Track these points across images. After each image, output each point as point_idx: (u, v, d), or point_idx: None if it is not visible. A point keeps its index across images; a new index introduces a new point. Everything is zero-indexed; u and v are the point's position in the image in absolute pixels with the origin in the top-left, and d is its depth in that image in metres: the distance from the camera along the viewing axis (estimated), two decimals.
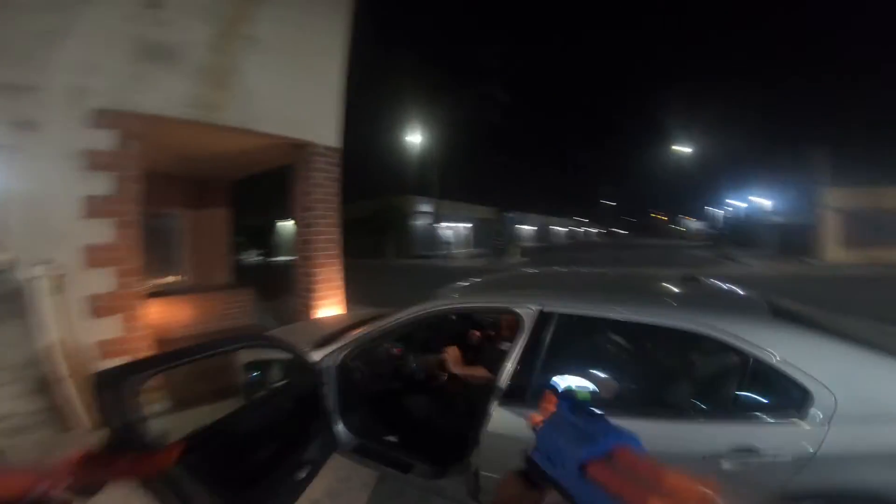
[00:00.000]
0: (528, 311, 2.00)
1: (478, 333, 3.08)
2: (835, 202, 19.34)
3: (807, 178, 20.96)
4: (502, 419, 1.87)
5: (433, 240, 28.53)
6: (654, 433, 1.74)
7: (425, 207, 28.12)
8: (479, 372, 2.38)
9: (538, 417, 0.73)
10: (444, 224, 29.79)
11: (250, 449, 1.61)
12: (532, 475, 0.69)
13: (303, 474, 1.80)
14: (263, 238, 12.27)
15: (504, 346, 2.35)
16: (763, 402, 1.74)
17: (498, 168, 27.26)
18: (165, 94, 3.57)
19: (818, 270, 16.23)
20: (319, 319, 4.42)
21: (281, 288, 9.45)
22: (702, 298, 2.31)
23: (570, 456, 0.61)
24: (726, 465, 1.63)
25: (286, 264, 15.41)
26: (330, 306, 4.96)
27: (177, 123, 3.70)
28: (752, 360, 1.70)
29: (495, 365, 2.12)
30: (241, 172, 6.55)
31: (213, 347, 1.72)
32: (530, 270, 3.22)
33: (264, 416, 1.84)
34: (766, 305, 2.10)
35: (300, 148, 4.66)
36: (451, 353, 2.60)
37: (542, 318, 1.96)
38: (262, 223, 11.97)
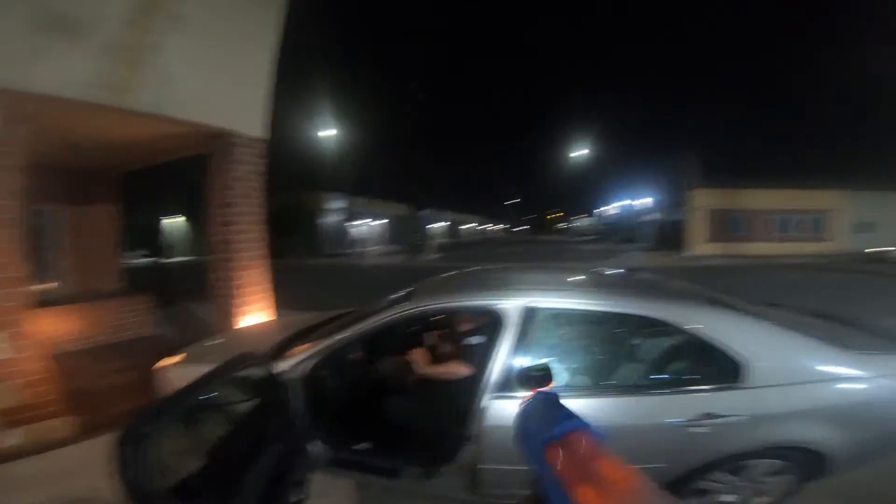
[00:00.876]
0: (513, 308, 2.08)
1: (437, 333, 3.02)
2: (701, 202, 22.87)
3: (679, 180, 24.47)
4: (499, 411, 1.92)
5: (345, 238, 27.62)
6: (636, 407, 2.00)
7: (337, 204, 27.10)
8: (455, 368, 2.35)
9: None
10: (357, 221, 29.02)
11: (250, 480, 1.41)
12: (541, 498, 0.71)
13: (295, 498, 1.64)
14: (150, 237, 10.66)
15: (472, 341, 2.36)
16: (711, 375, 2.02)
17: (412, 166, 27.35)
18: (66, 73, 2.94)
19: (687, 261, 19.04)
20: (250, 329, 3.98)
21: (176, 293, 8.43)
22: (657, 290, 2.56)
23: (535, 439, 0.68)
24: (698, 429, 1.89)
25: (180, 266, 13.67)
26: (256, 312, 4.48)
27: (77, 106, 3.08)
28: (698, 340, 2.01)
29: (475, 359, 2.17)
30: (140, 163, 5.60)
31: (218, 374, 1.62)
32: (490, 269, 3.28)
33: (252, 439, 1.62)
34: (703, 295, 2.45)
35: (220, 138, 4.12)
36: (418, 355, 2.53)
37: (528, 313, 2.06)
38: (148, 221, 10.45)
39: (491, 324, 2.17)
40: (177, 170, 8.27)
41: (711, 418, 1.88)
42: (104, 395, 3.51)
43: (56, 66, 2.88)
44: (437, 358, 2.63)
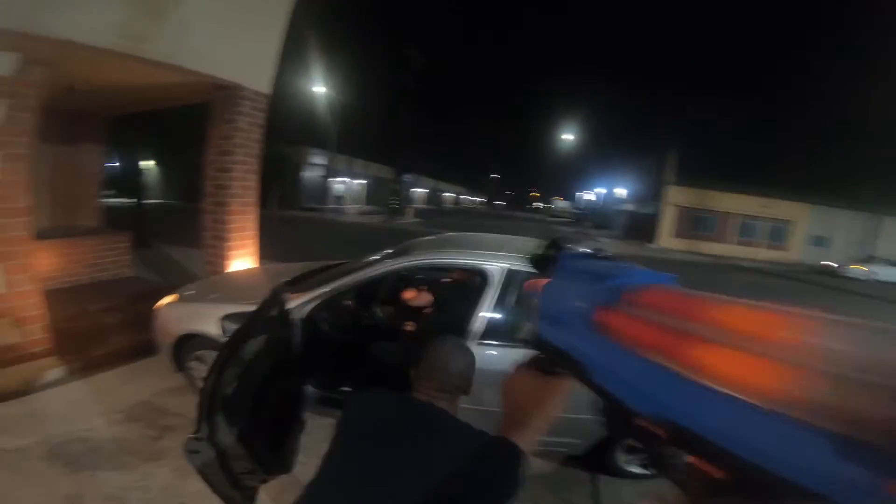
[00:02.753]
0: (496, 269, 2.42)
1: (414, 291, 3.29)
2: (673, 198, 23.72)
3: (656, 175, 25.16)
4: (481, 357, 2.17)
5: (324, 193, 27.14)
6: None
7: (319, 160, 26.41)
8: (422, 297, 2.79)
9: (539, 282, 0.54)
10: (337, 178, 28.44)
11: (271, 411, 1.57)
12: (543, 360, 0.56)
13: (300, 433, 1.81)
14: (127, 179, 10.18)
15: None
16: None
17: (397, 129, 26.63)
18: (87, 19, 2.89)
19: (654, 253, 19.89)
20: (239, 273, 4.10)
21: (151, 235, 8.24)
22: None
23: (576, 309, 0.43)
24: None
25: (151, 208, 13.16)
26: (243, 258, 4.64)
27: (94, 52, 3.03)
28: None
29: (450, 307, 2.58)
30: (135, 108, 5.54)
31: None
32: (478, 234, 3.54)
33: (268, 374, 1.78)
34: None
35: (226, 89, 4.15)
36: (409, 293, 2.88)
37: (509, 275, 2.40)
38: (126, 163, 9.99)
39: (476, 280, 2.50)
40: (153, 117, 7.95)
41: None
42: (89, 336, 3.53)
43: (78, 12, 2.85)
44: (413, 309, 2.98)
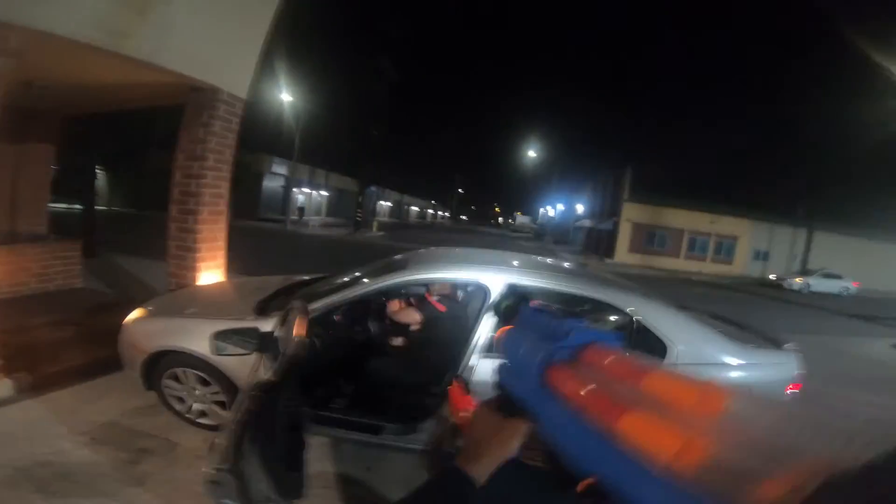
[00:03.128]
0: (498, 283, 2.39)
1: (398, 303, 3.26)
2: (628, 215, 24.95)
3: (612, 192, 26.39)
4: (486, 368, 2.24)
5: (284, 204, 26.38)
6: None
7: (280, 169, 25.72)
8: (411, 314, 2.79)
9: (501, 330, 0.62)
10: (298, 189, 27.75)
11: (284, 431, 1.48)
12: (505, 403, 0.59)
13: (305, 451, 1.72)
14: (74, 183, 9.37)
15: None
16: (645, 353, 2.40)
17: (363, 141, 26.44)
18: (65, 10, 2.69)
19: (610, 268, 20.73)
20: (210, 287, 3.88)
21: (100, 243, 7.65)
22: (608, 281, 2.97)
23: (530, 362, 0.48)
24: None
25: (102, 214, 12.24)
26: (212, 270, 4.39)
27: (70, 46, 2.82)
28: (638, 322, 2.47)
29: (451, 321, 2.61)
30: (100, 108, 5.20)
31: None
32: (468, 249, 3.58)
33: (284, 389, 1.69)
34: (639, 289, 2.92)
35: (203, 92, 3.97)
36: (394, 305, 2.87)
37: (510, 289, 2.37)
38: (71, 166, 9.24)
39: (477, 294, 2.53)
40: (101, 118, 7.48)
41: None
42: (39, 351, 3.22)
43: (55, 2, 2.65)
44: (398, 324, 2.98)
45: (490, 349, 2.31)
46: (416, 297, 3.30)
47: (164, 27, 3.31)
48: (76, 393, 2.90)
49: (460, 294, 2.97)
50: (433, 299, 2.82)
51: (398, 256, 3.17)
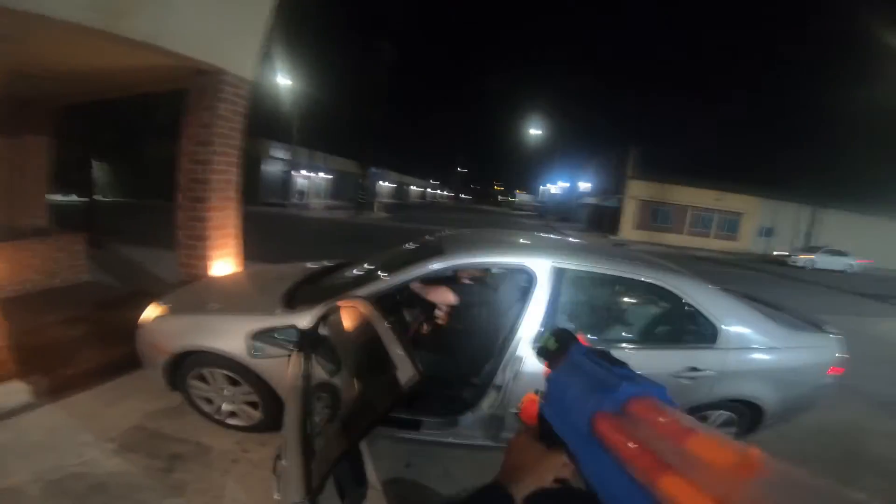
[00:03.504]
0: (543, 267, 2.30)
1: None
2: (634, 192, 24.68)
3: (618, 170, 26.03)
4: (534, 359, 2.14)
5: (286, 188, 26.09)
6: (640, 359, 2.33)
7: (280, 153, 25.32)
8: (446, 293, 2.53)
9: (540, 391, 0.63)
10: (299, 173, 27.41)
11: (340, 438, 1.34)
12: (546, 434, 0.59)
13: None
14: (74, 174, 9.11)
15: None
16: (694, 335, 2.44)
17: (363, 123, 25.99)
18: None
19: (616, 244, 20.62)
20: (226, 278, 3.72)
21: (108, 235, 7.50)
22: (653, 262, 2.83)
23: (579, 408, 0.49)
24: (683, 380, 2.29)
25: (105, 205, 12.05)
26: (225, 259, 4.24)
27: (62, 28, 2.59)
28: (689, 305, 2.40)
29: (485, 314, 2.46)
30: (98, 95, 4.87)
31: None
32: (510, 231, 3.42)
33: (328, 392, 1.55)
34: (685, 271, 2.80)
35: (208, 74, 3.74)
36: (418, 286, 2.60)
37: (555, 273, 2.29)
38: (70, 157, 8.95)
39: (521, 279, 2.42)
40: (99, 108, 7.21)
41: (694, 371, 2.29)
42: (53, 351, 3.07)
43: None
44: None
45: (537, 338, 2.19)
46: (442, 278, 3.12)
47: (164, 6, 3.07)
48: (96, 395, 2.77)
49: (492, 279, 2.78)
50: (464, 279, 2.64)
51: (428, 240, 3.00)
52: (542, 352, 0.64)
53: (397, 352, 1.28)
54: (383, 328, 1.46)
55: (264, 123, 22.18)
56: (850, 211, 24.43)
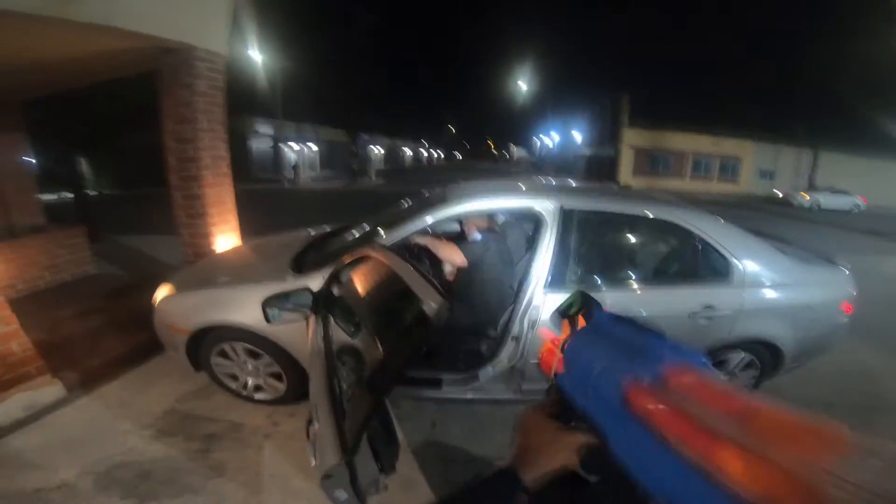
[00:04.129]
0: (551, 208, 2.24)
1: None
2: (629, 140, 24.28)
3: (611, 119, 25.45)
4: (551, 304, 2.11)
5: (276, 163, 25.60)
6: (656, 298, 2.30)
7: (266, 129, 24.65)
8: (454, 252, 2.45)
9: (559, 336, 0.58)
10: (287, 146, 26.80)
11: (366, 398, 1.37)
12: (560, 410, 0.54)
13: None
14: (58, 171, 8.85)
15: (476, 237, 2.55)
16: (708, 271, 2.37)
17: (347, 89, 25.11)
18: None
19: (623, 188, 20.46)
20: (228, 252, 3.71)
21: (103, 228, 7.42)
22: (661, 199, 2.76)
23: (607, 379, 0.44)
24: (701, 320, 2.26)
25: (93, 199, 11.79)
26: (226, 234, 4.23)
27: (13, 19, 2.47)
28: (703, 241, 2.33)
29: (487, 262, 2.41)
30: (65, 85, 4.66)
31: None
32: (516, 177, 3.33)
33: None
34: (695, 207, 2.72)
35: (176, 52, 3.60)
36: (427, 239, 2.55)
37: (564, 214, 2.23)
38: (49, 155, 8.64)
39: (528, 223, 2.39)
40: (70, 103, 6.90)
41: (711, 310, 2.25)
42: (76, 345, 3.11)
43: None
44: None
45: (554, 284, 2.17)
46: (451, 235, 3.04)
47: None
48: (126, 384, 2.82)
49: (498, 226, 2.73)
50: (472, 235, 2.57)
51: (431, 192, 2.93)
52: (563, 314, 0.58)
53: (419, 282, 1.23)
54: (399, 263, 1.40)
55: (246, 99, 21.42)
56: (850, 153, 24.10)
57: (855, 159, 24.24)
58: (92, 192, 17.84)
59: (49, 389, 2.59)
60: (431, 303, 1.13)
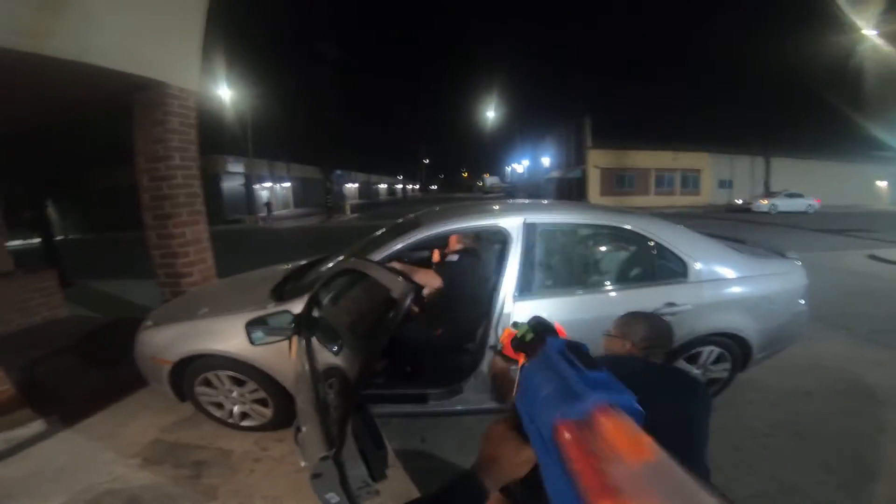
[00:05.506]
0: (515, 224, 2.37)
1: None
2: (595, 161, 25.35)
3: (576, 142, 26.63)
4: (523, 312, 2.23)
5: (248, 202, 25.44)
6: (619, 300, 2.42)
7: (237, 168, 24.61)
8: (429, 276, 2.61)
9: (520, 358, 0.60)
10: (260, 185, 26.75)
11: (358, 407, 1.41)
12: (521, 426, 0.55)
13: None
14: (32, 215, 8.53)
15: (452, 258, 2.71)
16: (666, 271, 2.53)
17: (320, 126, 25.47)
18: None
19: None
20: (205, 288, 3.70)
21: (78, 271, 7.22)
22: (617, 209, 2.97)
23: (545, 412, 0.46)
24: (666, 317, 2.28)
25: (71, 243, 11.45)
26: (203, 273, 4.18)
27: None
28: (657, 244, 2.50)
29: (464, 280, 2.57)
30: (34, 120, 4.66)
31: None
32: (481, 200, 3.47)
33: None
34: (648, 214, 2.94)
35: (149, 89, 3.67)
36: (397, 264, 2.65)
37: (527, 228, 2.36)
38: (22, 196, 8.32)
39: (496, 240, 2.51)
40: (32, 145, 6.83)
41: (674, 307, 2.38)
42: (54, 382, 3.08)
43: None
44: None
45: (524, 292, 2.28)
46: (421, 261, 3.19)
47: (87, 22, 2.96)
48: (108, 417, 2.76)
49: (472, 245, 2.86)
50: (448, 256, 2.72)
51: (404, 219, 3.04)
52: (518, 344, 0.61)
53: (385, 274, 1.33)
54: (368, 265, 1.51)
55: (217, 138, 21.47)
56: (800, 158, 25.82)
57: (806, 163, 25.94)
58: (59, 237, 17.24)
59: (29, 423, 2.56)
60: (396, 287, 1.23)
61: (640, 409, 0.44)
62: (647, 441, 0.38)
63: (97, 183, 20.57)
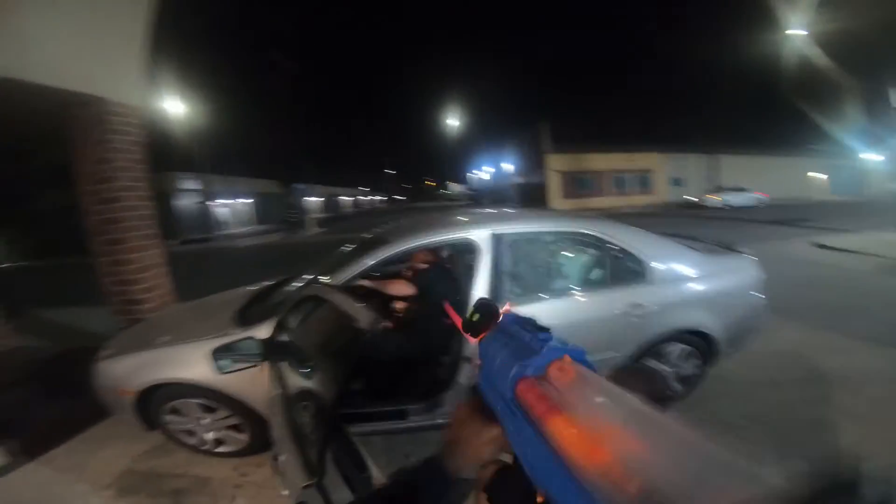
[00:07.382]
0: (483, 236, 2.41)
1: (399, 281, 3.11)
2: (554, 165, 26.12)
3: (535, 147, 27.38)
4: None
5: (206, 220, 24.42)
6: (587, 304, 2.48)
7: (191, 185, 23.60)
8: (401, 285, 2.66)
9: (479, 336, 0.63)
10: (217, 202, 25.77)
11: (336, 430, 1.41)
12: (485, 406, 0.58)
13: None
14: None
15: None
16: (627, 273, 2.61)
17: (279, 140, 25.01)
18: None
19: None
20: (164, 314, 3.52)
21: (21, 301, 6.69)
22: (579, 215, 3.07)
23: (502, 373, 0.50)
24: (633, 318, 2.46)
25: (21, 270, 10.55)
26: (161, 298, 3.99)
27: None
28: (614, 247, 2.59)
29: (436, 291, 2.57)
30: None
31: None
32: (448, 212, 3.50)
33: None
34: (607, 219, 3.02)
35: (88, 106, 3.48)
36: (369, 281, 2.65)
37: (495, 239, 2.40)
38: None
39: (466, 252, 2.53)
40: None
41: (639, 308, 2.46)
42: (8, 415, 2.86)
43: None
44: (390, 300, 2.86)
45: (494, 300, 2.31)
46: (393, 275, 3.14)
47: (17, 37, 2.81)
48: (73, 448, 2.60)
49: (440, 258, 2.90)
50: (417, 268, 2.74)
51: (373, 234, 2.99)
52: (467, 325, 0.63)
53: (352, 305, 1.34)
54: (333, 293, 1.52)
55: (168, 156, 20.54)
56: (746, 154, 27.64)
57: (754, 159, 27.82)
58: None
59: None
60: (362, 318, 1.26)
61: (588, 359, 0.48)
62: (591, 376, 0.43)
63: (41, 206, 19.19)
